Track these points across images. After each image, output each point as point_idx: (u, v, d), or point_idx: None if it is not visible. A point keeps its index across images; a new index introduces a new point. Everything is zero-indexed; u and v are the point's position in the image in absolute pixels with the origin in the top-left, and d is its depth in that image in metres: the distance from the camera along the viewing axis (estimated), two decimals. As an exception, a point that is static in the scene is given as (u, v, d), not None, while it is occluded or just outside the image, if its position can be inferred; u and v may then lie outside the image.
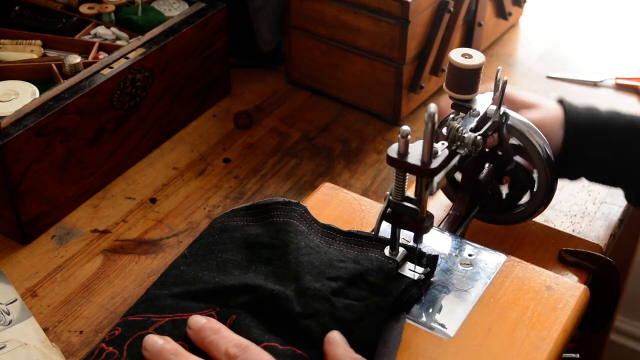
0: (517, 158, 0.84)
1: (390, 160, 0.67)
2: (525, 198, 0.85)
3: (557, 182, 0.82)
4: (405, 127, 0.65)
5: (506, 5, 1.23)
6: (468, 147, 0.72)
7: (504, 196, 0.86)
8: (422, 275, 0.73)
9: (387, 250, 0.73)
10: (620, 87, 1.16)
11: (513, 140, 0.82)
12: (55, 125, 0.87)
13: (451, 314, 0.71)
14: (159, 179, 1.00)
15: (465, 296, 0.73)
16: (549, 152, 0.80)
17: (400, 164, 0.67)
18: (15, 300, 0.81)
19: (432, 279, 0.74)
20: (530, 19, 1.33)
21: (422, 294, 0.73)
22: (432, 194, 0.69)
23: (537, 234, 0.88)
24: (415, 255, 0.73)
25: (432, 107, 0.64)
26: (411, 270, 0.73)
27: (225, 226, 0.78)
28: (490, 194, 0.83)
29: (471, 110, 0.75)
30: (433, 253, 0.73)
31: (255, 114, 1.11)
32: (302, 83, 1.16)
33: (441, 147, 0.68)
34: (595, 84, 1.15)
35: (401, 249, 0.73)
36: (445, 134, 0.73)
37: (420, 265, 0.73)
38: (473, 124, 0.74)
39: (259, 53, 1.18)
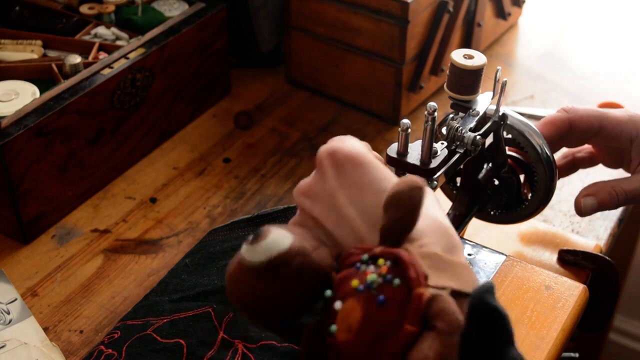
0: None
1: (390, 160, 0.67)
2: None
3: (556, 182, 0.82)
4: (405, 121, 0.65)
5: (505, 6, 1.23)
6: (467, 147, 0.72)
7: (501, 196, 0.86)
8: None
9: None
10: None
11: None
12: (55, 125, 0.88)
13: (450, 313, 0.71)
14: (159, 179, 1.00)
15: (465, 295, 0.73)
16: (548, 152, 0.80)
17: (400, 164, 0.67)
18: (16, 299, 0.82)
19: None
20: (530, 19, 1.33)
21: None
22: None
23: (537, 233, 0.89)
24: None
25: (432, 106, 0.64)
26: None
27: (227, 237, 0.79)
28: (490, 193, 0.84)
29: (470, 110, 0.75)
30: None
31: (255, 114, 1.12)
32: (302, 83, 1.16)
33: (440, 147, 0.68)
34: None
35: None
36: (444, 133, 0.73)
37: None
38: (472, 124, 0.74)
39: (259, 53, 1.18)
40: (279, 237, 0.53)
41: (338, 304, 0.51)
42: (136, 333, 0.70)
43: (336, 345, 0.51)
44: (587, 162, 0.88)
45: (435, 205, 0.56)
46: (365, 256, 0.52)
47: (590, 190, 0.82)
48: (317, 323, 0.53)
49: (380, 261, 0.51)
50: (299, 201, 0.58)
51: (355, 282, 0.50)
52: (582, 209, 0.82)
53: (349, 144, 0.57)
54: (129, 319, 0.72)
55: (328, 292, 0.52)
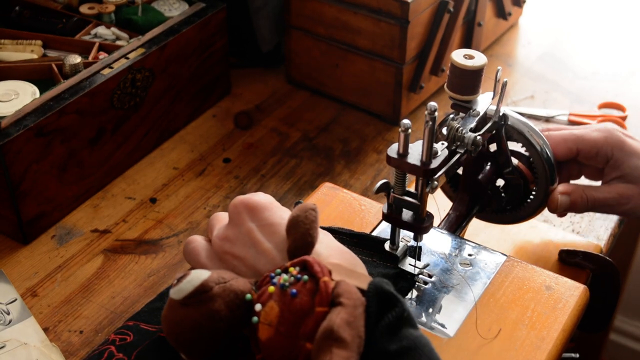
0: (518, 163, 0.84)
1: (390, 160, 0.67)
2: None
3: (557, 182, 0.82)
4: (405, 121, 0.65)
5: (506, 5, 1.23)
6: (468, 147, 0.72)
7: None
8: (422, 269, 0.73)
9: (387, 245, 0.73)
10: (573, 124, 1.09)
11: (515, 147, 0.82)
12: (55, 125, 0.88)
13: (451, 313, 0.71)
14: (159, 179, 1.00)
15: (465, 296, 0.73)
16: (549, 152, 0.80)
17: (400, 164, 0.67)
18: (15, 299, 0.82)
19: (431, 278, 0.74)
20: (530, 19, 1.33)
21: (411, 286, 0.73)
22: (431, 192, 0.69)
23: (537, 233, 0.89)
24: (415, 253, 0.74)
25: (432, 106, 0.64)
26: (411, 265, 0.73)
27: None
28: (491, 194, 0.83)
29: (471, 111, 0.75)
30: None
31: (255, 114, 1.11)
32: (302, 83, 1.16)
33: (441, 147, 0.68)
34: (547, 120, 1.10)
35: (402, 244, 0.73)
36: (445, 133, 0.73)
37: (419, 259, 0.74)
38: (473, 124, 0.74)
39: (259, 53, 1.18)
40: (199, 272, 0.61)
41: (258, 306, 0.59)
42: (149, 338, 0.70)
43: (261, 343, 0.58)
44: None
45: (334, 240, 0.67)
46: (278, 270, 0.61)
47: (567, 189, 0.83)
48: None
49: (291, 269, 0.60)
50: (220, 245, 0.67)
51: (271, 288, 0.59)
52: (558, 206, 0.83)
53: (257, 195, 0.68)
54: (144, 322, 0.72)
55: (248, 296, 0.60)
